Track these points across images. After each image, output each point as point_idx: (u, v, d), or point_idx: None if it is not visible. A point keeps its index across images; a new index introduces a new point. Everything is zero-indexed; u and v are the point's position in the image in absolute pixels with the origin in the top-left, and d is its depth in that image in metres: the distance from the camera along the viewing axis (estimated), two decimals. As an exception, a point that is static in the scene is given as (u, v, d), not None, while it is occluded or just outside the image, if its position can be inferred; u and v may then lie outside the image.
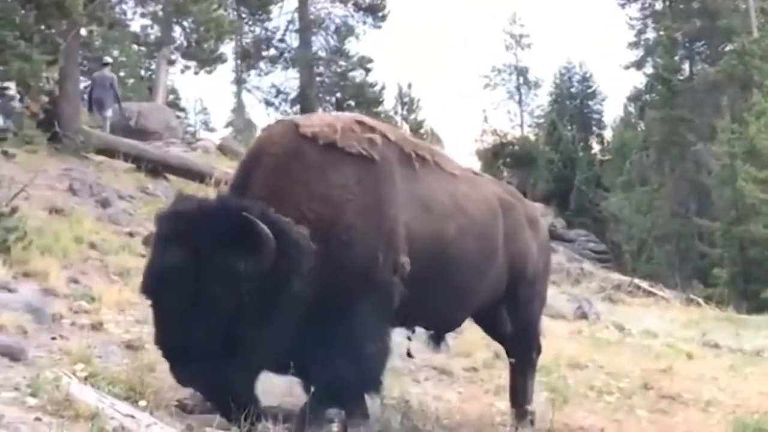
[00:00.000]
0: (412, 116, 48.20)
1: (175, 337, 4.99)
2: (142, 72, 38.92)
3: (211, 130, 52.39)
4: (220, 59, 36.97)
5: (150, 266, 5.18)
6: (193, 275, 4.90)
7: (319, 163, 5.60)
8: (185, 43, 32.64)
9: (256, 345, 5.10)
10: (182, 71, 34.19)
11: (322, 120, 5.96)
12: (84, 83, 23.33)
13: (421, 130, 47.76)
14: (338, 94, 42.33)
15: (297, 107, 41.59)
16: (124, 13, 31.89)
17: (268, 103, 43.54)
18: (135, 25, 34.01)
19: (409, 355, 7.02)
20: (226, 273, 4.91)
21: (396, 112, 47.32)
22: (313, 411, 5.26)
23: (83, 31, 18.69)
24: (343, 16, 41.41)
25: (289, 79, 43.26)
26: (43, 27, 13.46)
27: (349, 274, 5.48)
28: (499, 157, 51.66)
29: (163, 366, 5.37)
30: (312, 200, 5.46)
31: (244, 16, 39.26)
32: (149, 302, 5.20)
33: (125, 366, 5.90)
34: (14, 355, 5.72)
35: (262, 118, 50.56)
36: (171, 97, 40.04)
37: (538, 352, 7.59)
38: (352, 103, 41.76)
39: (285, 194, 5.41)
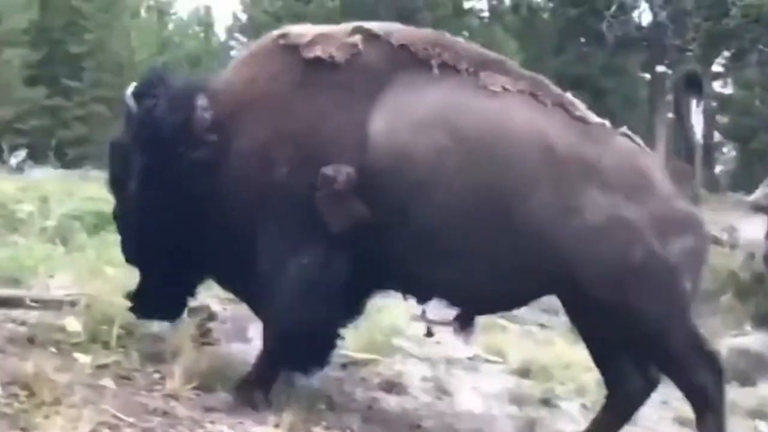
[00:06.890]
0: None
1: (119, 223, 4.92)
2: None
3: None
4: None
5: None
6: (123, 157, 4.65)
7: (265, 61, 4.86)
8: None
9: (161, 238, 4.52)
10: None
11: (322, 30, 4.94)
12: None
13: None
14: None
15: None
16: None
17: None
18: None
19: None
20: (128, 151, 4.55)
21: None
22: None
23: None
24: None
25: None
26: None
27: (241, 185, 4.53)
28: None
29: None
30: (233, 84, 4.81)
31: None
32: None
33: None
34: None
35: None
36: None
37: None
38: None
39: (229, 87, 4.83)
